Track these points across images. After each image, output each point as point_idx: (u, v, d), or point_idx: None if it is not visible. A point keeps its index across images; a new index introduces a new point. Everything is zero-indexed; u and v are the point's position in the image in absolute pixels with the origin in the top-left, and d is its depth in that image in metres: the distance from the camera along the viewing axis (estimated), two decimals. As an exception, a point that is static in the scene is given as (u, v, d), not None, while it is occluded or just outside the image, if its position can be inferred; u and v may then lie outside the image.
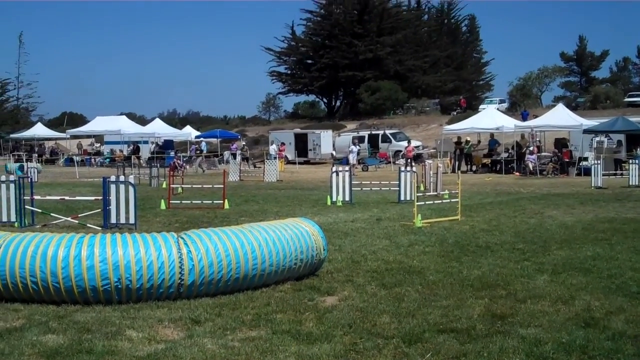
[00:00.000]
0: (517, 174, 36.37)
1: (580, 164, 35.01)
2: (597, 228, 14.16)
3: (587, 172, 30.85)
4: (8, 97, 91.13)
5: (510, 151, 39.54)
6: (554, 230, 13.85)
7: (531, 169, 35.96)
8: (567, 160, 36.46)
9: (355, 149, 42.04)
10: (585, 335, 6.44)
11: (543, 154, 39.13)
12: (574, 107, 59.78)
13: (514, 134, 39.91)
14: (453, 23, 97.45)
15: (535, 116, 45.04)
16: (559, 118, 38.69)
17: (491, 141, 41.93)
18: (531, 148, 37.94)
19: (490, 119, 41.49)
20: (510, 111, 61.43)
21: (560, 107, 42.02)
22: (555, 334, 6.50)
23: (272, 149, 48.97)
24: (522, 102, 72.85)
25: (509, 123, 40.72)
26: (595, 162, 27.89)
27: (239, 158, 44.34)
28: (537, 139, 40.90)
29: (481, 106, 69.14)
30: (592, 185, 26.19)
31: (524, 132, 40.58)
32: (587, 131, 36.60)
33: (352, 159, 40.27)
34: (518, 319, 7.09)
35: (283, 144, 52.87)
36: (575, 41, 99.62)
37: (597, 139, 37.34)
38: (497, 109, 52.83)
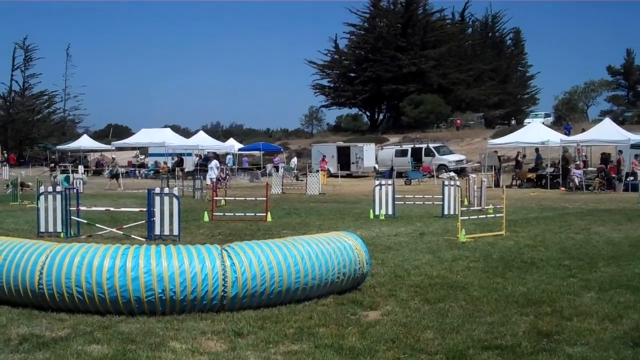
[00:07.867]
0: (563, 189, 35.88)
1: (628, 179, 34.42)
2: (645, 245, 13.89)
3: (634, 187, 30.34)
4: (55, 109, 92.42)
5: (556, 166, 39.03)
6: (600, 247, 13.62)
7: (577, 184, 35.42)
8: (614, 175, 35.86)
9: (214, 164, 34.37)
10: (634, 354, 6.31)
11: (589, 169, 38.55)
12: (621, 121, 58.97)
13: (559, 148, 39.39)
14: (497, 36, 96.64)
15: (584, 130, 44.42)
16: (605, 132, 38.10)
17: (537, 156, 41.45)
18: (577, 163, 37.42)
19: (536, 133, 41.05)
20: (555, 125, 60.80)
21: (607, 122, 41.39)
22: (602, 352, 6.37)
23: (282, 165, 44.55)
24: (568, 116, 72.01)
25: (555, 137, 40.24)
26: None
27: (281, 171, 44.11)
28: (584, 154, 40.32)
29: (526, 120, 68.60)
30: (640, 201, 25.75)
31: (569, 146, 40.06)
32: (634, 146, 35.99)
33: (209, 177, 32.66)
34: (564, 336, 6.96)
35: (324, 156, 52.85)
36: (622, 55, 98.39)
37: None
38: (543, 123, 52.21)
